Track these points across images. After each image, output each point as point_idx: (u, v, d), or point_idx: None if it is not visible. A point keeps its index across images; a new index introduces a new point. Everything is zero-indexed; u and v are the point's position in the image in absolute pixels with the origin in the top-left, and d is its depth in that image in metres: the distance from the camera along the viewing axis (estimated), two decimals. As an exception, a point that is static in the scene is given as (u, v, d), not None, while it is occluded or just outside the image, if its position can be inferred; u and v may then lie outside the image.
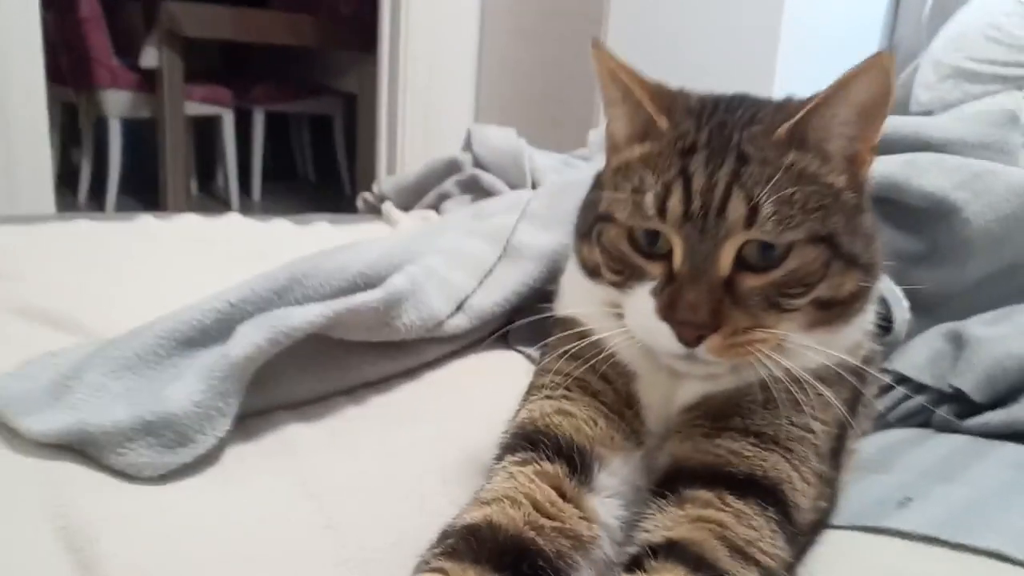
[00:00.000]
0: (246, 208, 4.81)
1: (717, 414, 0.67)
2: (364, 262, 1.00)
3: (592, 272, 0.72)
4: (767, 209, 0.61)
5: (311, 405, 0.89)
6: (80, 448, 0.75)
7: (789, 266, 0.63)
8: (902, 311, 0.99)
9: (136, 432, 0.74)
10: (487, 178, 1.62)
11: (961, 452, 0.85)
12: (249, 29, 4.47)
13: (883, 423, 0.94)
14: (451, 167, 1.73)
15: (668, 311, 0.63)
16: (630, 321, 0.67)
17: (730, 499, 0.61)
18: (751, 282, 0.63)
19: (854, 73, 0.62)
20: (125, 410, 0.76)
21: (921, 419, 0.96)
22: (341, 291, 0.95)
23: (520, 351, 1.04)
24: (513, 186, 1.56)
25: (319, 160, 5.69)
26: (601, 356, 0.70)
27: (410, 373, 0.97)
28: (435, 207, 1.72)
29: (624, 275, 0.67)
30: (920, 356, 0.98)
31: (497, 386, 0.87)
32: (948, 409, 0.93)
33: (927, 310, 1.05)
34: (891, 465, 0.83)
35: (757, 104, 0.70)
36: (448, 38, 3.49)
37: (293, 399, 0.88)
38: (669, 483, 0.64)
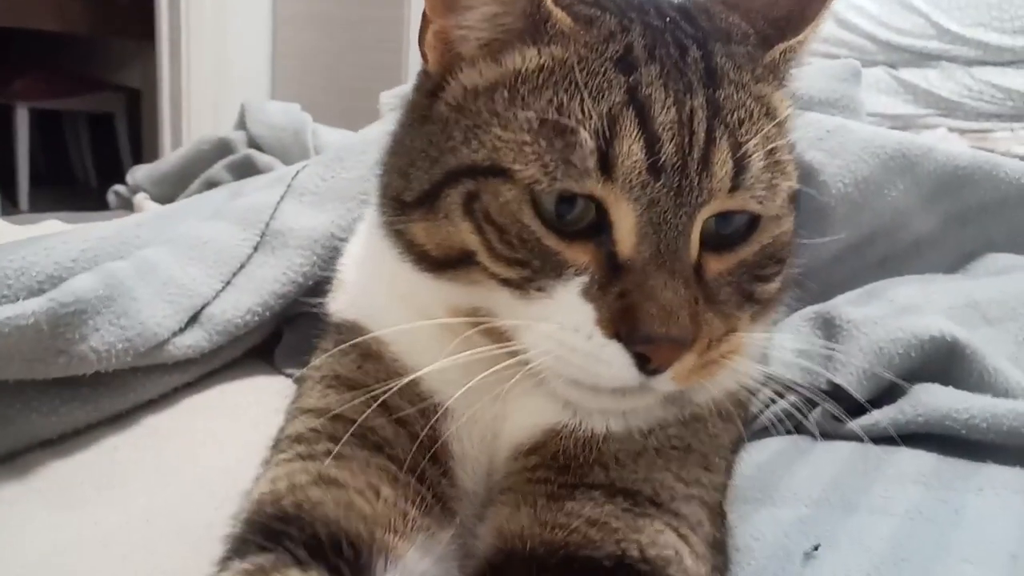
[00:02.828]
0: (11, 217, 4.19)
1: (568, 463, 0.44)
2: (60, 258, 0.69)
3: (440, 262, 0.46)
4: (757, 163, 0.41)
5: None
6: None
7: (761, 238, 0.43)
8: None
9: None
10: (263, 159, 1.32)
11: (852, 466, 0.68)
12: (4, 11, 3.88)
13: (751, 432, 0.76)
14: (221, 148, 1.42)
15: (626, 323, 0.40)
16: (541, 343, 0.42)
17: None
18: (717, 266, 0.43)
19: None
20: None
21: (794, 421, 0.79)
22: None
23: (290, 376, 0.76)
24: (295, 167, 1.27)
25: (102, 162, 5.12)
26: (397, 385, 0.45)
27: (117, 420, 0.67)
28: (203, 198, 1.39)
29: (529, 268, 0.42)
30: (785, 348, 0.81)
31: (251, 432, 0.59)
32: (824, 409, 0.76)
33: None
34: (775, 491, 0.64)
35: (683, 5, 0.49)
36: (237, 23, 3.16)
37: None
38: None
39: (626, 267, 0.41)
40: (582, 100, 0.41)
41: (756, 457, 0.70)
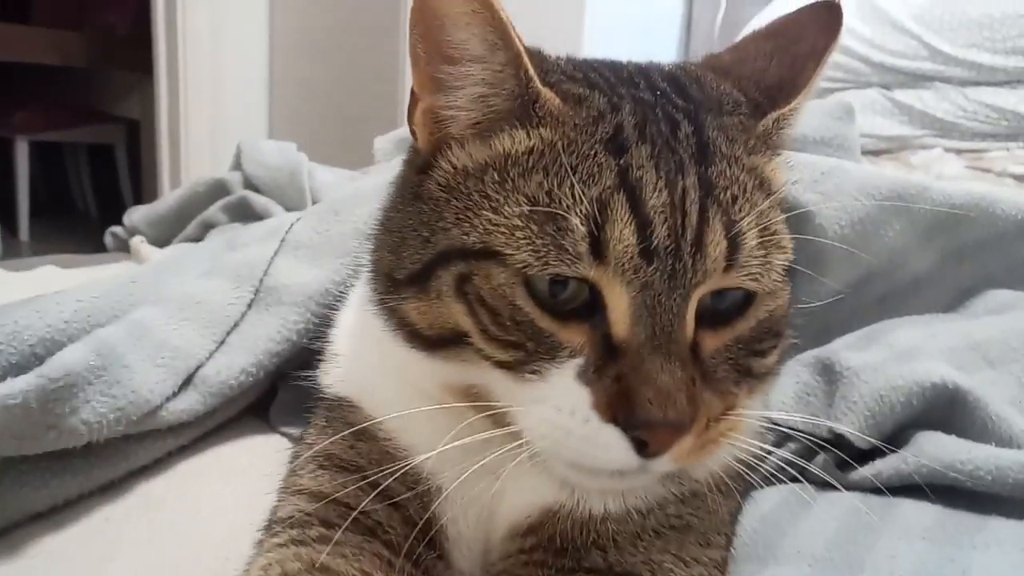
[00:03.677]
0: (11, 249, 4.23)
1: (565, 545, 0.44)
2: (53, 321, 0.68)
3: (432, 342, 0.45)
4: (751, 241, 0.41)
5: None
6: None
7: (757, 314, 0.42)
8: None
9: None
10: (260, 201, 1.31)
11: (855, 520, 0.67)
12: (3, 46, 3.91)
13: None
14: (217, 190, 1.41)
15: (623, 408, 0.39)
16: (537, 426, 0.42)
17: None
18: (713, 342, 0.42)
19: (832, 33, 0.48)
20: None
21: (795, 469, 0.77)
22: (13, 371, 0.63)
23: (285, 434, 0.75)
24: (291, 209, 1.27)
25: (102, 193, 5.15)
26: (395, 468, 0.44)
27: (109, 489, 0.65)
28: (199, 239, 1.39)
29: (524, 350, 0.41)
30: (785, 394, 0.81)
31: (247, 496, 0.58)
32: (826, 458, 0.75)
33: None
34: (778, 548, 0.63)
35: (673, 73, 0.48)
36: (234, 53, 3.18)
37: None
38: None
39: (622, 349, 0.40)
40: (572, 185, 0.40)
41: (758, 509, 0.69)
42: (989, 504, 0.67)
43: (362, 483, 0.45)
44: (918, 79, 2.49)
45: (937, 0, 2.47)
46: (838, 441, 0.74)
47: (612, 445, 0.40)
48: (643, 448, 0.40)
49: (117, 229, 1.58)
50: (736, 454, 0.46)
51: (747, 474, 0.50)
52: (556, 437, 0.41)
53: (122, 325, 0.69)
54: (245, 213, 1.35)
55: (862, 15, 2.53)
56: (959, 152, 2.38)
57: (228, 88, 3.20)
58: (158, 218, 1.48)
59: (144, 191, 4.18)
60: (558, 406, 0.41)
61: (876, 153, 2.41)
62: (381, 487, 0.44)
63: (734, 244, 0.41)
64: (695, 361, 0.41)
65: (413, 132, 0.48)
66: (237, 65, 3.21)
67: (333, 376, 0.53)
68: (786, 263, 0.45)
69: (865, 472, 0.72)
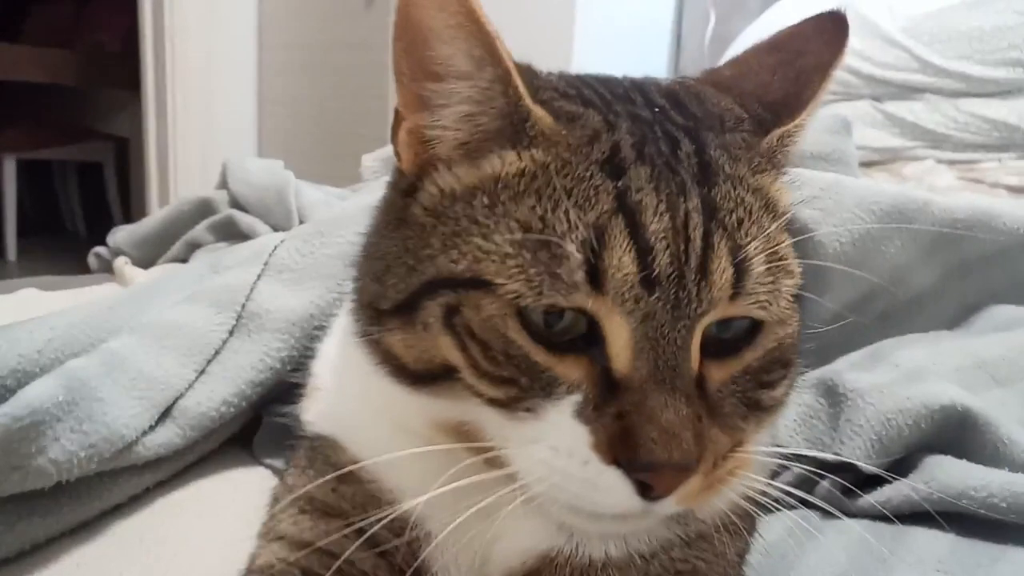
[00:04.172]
0: (-1, 269, 4.18)
1: None
2: (24, 351, 0.65)
3: (419, 376, 0.42)
4: (758, 267, 0.38)
5: None
6: None
7: (765, 343, 0.40)
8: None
9: None
10: (246, 220, 1.28)
11: (866, 551, 0.65)
12: (-9, 64, 3.90)
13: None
14: (203, 209, 1.38)
15: (626, 449, 0.36)
16: (534, 469, 0.39)
17: None
18: (719, 375, 0.40)
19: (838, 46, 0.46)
20: None
21: (797, 496, 0.75)
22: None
23: (269, 466, 0.72)
24: (278, 228, 1.24)
25: (91, 211, 5.11)
26: (383, 515, 0.41)
27: (82, 530, 0.62)
28: (185, 259, 1.36)
29: (517, 387, 0.39)
30: (788, 417, 0.78)
31: (229, 534, 0.55)
32: (829, 488, 0.73)
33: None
34: (786, 584, 0.61)
35: (672, 89, 0.46)
36: (223, 74, 3.17)
37: None
38: None
39: (623, 385, 0.38)
40: (567, 209, 0.38)
41: (762, 540, 0.66)
42: (1005, 531, 0.65)
43: (346, 530, 0.42)
44: (909, 91, 2.48)
45: (927, 13, 2.47)
46: (843, 465, 0.71)
47: (613, 488, 0.37)
48: (647, 491, 0.37)
49: (101, 250, 1.55)
50: (744, 492, 0.43)
51: (756, 512, 0.47)
52: (553, 480, 0.38)
53: (96, 356, 0.66)
54: (231, 232, 1.32)
55: (852, 28, 2.52)
56: (951, 163, 2.37)
57: (217, 105, 3.18)
58: (142, 238, 1.45)
59: (133, 209, 4.13)
60: (555, 446, 0.38)
61: (869, 165, 2.40)
62: (366, 534, 0.41)
63: (741, 270, 0.39)
64: (701, 396, 0.39)
65: (397, 153, 0.46)
66: (226, 82, 3.19)
67: (314, 412, 0.50)
68: (795, 289, 0.42)
69: (873, 499, 0.69)
